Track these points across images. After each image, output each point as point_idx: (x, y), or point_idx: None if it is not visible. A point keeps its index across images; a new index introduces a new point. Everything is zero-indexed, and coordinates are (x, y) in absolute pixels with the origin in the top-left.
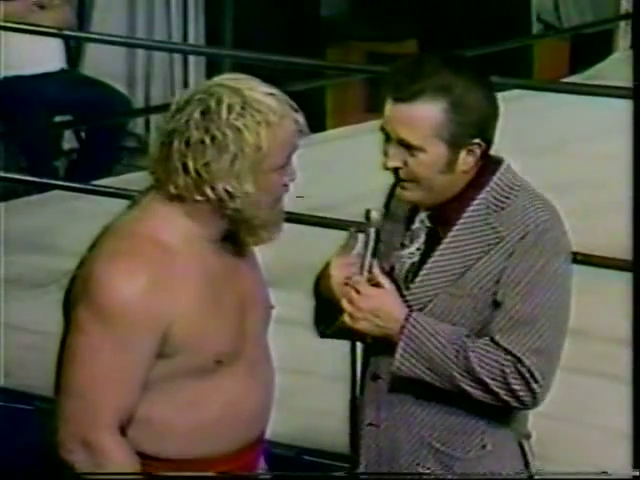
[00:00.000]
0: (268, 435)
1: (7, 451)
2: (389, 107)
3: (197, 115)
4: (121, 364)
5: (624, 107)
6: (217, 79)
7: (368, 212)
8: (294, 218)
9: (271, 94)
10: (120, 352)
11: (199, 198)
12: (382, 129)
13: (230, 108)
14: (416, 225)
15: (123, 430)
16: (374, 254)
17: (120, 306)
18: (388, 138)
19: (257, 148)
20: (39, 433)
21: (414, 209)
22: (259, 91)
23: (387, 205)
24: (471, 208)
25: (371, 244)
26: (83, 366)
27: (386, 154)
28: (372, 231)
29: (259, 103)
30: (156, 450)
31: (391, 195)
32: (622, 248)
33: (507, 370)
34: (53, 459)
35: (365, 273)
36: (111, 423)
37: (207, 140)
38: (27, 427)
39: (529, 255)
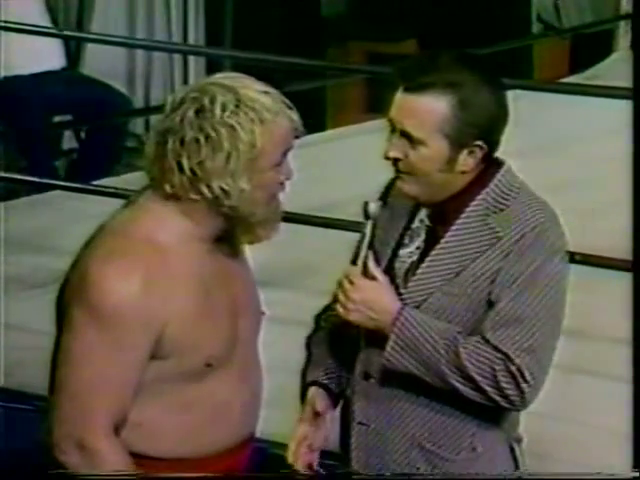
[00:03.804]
0: (267, 435)
1: (7, 451)
2: (398, 96)
3: (191, 114)
4: (116, 365)
5: (624, 107)
6: (211, 78)
7: (366, 204)
8: (294, 218)
9: (265, 92)
10: (115, 353)
11: (195, 197)
12: (389, 119)
13: (224, 106)
14: (416, 224)
15: (117, 431)
16: (370, 246)
17: (115, 307)
18: (393, 128)
19: (251, 146)
20: (39, 433)
21: (415, 208)
22: (253, 89)
23: (384, 199)
24: (470, 208)
25: (367, 237)
26: (78, 367)
27: (388, 143)
28: (369, 224)
29: (253, 101)
30: (146, 449)
31: (388, 190)
32: (622, 248)
33: (497, 368)
34: (50, 459)
35: (360, 265)
36: (105, 424)
37: (201, 139)
38: (27, 427)
39: (525, 256)
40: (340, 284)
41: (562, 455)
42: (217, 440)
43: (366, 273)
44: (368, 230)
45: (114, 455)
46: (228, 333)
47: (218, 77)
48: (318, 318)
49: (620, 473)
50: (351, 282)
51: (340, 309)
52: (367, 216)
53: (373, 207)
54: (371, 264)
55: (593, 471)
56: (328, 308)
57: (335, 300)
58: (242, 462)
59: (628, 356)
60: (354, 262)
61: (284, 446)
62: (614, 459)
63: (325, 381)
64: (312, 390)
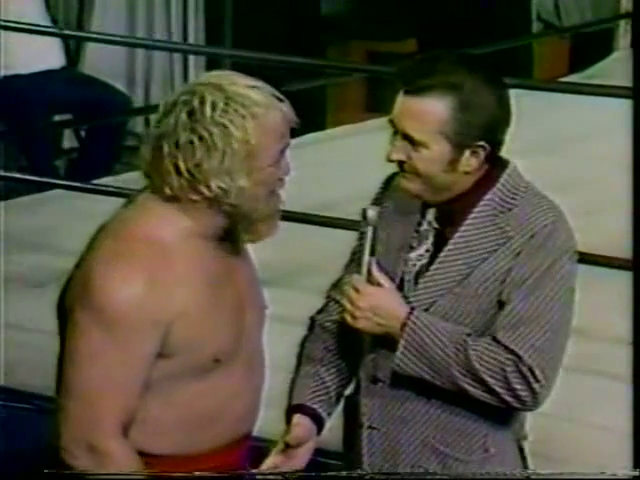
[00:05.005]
0: (266, 434)
1: (7, 450)
2: (399, 99)
3: (184, 116)
4: (123, 367)
5: (624, 106)
6: (200, 78)
7: (365, 211)
8: (294, 217)
9: (254, 87)
10: (121, 355)
11: (194, 198)
12: (390, 121)
13: (214, 105)
14: (424, 227)
15: (125, 431)
16: (372, 252)
17: (120, 309)
18: (396, 131)
19: (245, 142)
20: (39, 432)
21: (421, 211)
22: (241, 85)
23: (379, 200)
24: (477, 209)
25: (369, 243)
26: (85, 370)
27: (391, 146)
28: (370, 230)
29: (242, 97)
30: (146, 447)
31: (385, 189)
32: (622, 247)
33: (508, 369)
34: (53, 459)
35: (364, 272)
36: (115, 426)
37: (195, 140)
38: (27, 426)
39: (536, 256)
40: (346, 293)
41: (561, 454)
42: (217, 436)
43: (370, 280)
44: (369, 236)
45: (124, 456)
46: (234, 328)
47: (207, 76)
48: (313, 321)
49: (620, 473)
50: (357, 290)
51: (347, 317)
52: (366, 222)
53: (372, 213)
54: (375, 270)
55: (593, 471)
56: (322, 310)
57: (329, 301)
58: (239, 459)
59: (628, 356)
60: (347, 271)
61: None
62: (614, 459)
63: (313, 405)
64: (296, 418)
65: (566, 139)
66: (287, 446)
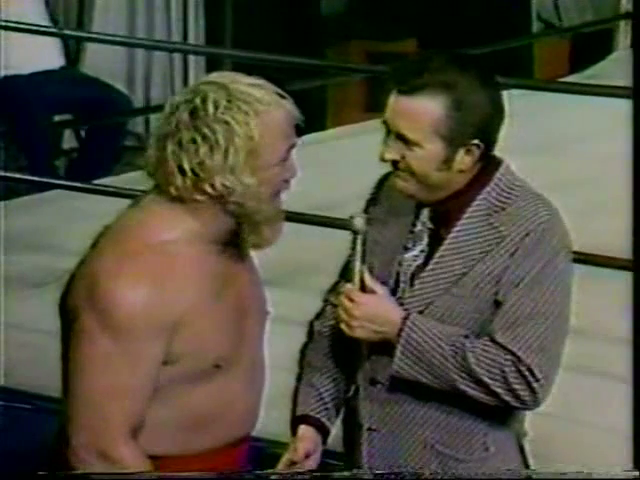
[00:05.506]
0: (266, 434)
1: (7, 450)
2: (391, 99)
3: (185, 116)
4: (131, 372)
5: (624, 106)
6: (203, 78)
7: (351, 220)
8: (294, 217)
9: (257, 85)
10: (130, 361)
11: (200, 197)
12: (384, 121)
13: (216, 103)
14: (418, 227)
15: (134, 435)
16: (363, 260)
17: (127, 314)
18: (389, 130)
19: (248, 138)
20: (39, 432)
21: (416, 211)
22: (244, 83)
23: (373, 200)
24: (471, 209)
25: (359, 250)
26: (94, 377)
27: (385, 146)
28: (359, 237)
29: (245, 94)
30: (143, 447)
31: (379, 189)
32: (621, 248)
33: (507, 369)
34: (55, 460)
35: (356, 280)
36: (125, 432)
37: (198, 139)
38: (27, 426)
39: (531, 254)
40: (340, 303)
41: (561, 455)
42: (216, 437)
43: (364, 287)
44: (358, 245)
45: (135, 461)
46: (235, 333)
47: (210, 77)
48: (311, 326)
49: (620, 473)
50: (350, 299)
51: (344, 327)
52: (355, 231)
53: (359, 221)
54: (367, 277)
55: (593, 471)
56: (320, 315)
57: (326, 305)
58: (239, 459)
59: (628, 356)
60: (343, 276)
61: (283, 445)
62: (614, 459)
63: (317, 414)
64: (301, 429)
65: (566, 139)
66: (293, 463)
